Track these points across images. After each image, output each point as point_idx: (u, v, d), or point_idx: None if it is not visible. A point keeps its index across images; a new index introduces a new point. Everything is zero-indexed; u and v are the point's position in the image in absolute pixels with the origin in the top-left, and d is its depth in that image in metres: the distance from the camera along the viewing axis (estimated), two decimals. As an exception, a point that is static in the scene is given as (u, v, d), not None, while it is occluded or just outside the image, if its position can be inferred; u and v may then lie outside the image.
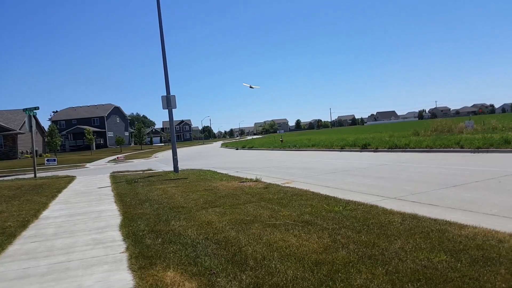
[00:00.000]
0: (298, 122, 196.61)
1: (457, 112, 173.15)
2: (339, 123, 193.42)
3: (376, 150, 18.76)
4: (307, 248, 4.04)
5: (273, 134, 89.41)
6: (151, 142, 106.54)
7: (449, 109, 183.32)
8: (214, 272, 3.56)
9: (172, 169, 15.11)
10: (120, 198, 8.71)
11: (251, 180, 10.33)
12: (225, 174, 12.89)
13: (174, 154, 15.14)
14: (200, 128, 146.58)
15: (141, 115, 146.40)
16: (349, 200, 6.46)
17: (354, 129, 76.10)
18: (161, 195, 8.72)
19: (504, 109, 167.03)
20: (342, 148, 21.57)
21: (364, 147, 19.89)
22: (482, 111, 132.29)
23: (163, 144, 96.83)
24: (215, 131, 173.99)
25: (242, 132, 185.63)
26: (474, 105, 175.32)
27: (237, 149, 38.19)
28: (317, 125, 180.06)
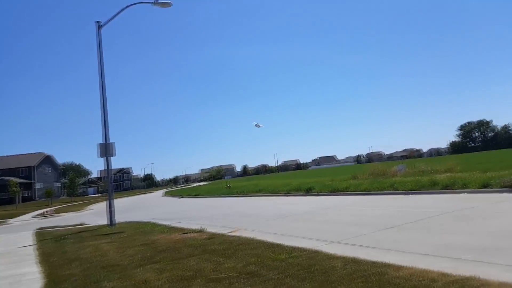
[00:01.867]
0: (245, 167, 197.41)
1: (390, 156, 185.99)
2: (285, 167, 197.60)
3: (319, 194, 19.21)
4: (251, 303, 3.82)
5: (220, 180, 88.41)
6: (85, 193, 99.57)
7: (382, 154, 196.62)
8: None
9: (107, 222, 14.05)
10: (45, 258, 7.81)
11: (194, 230, 9.88)
12: (167, 225, 12.23)
13: (111, 206, 14.15)
14: (141, 176, 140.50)
15: (76, 164, 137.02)
16: (294, 247, 6.40)
17: (298, 174, 77.95)
18: (93, 252, 7.97)
19: (431, 153, 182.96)
20: (287, 193, 21.80)
21: (308, 191, 20.29)
22: (413, 155, 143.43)
23: (99, 194, 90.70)
24: (159, 178, 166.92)
25: (187, 179, 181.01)
26: (404, 150, 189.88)
27: (181, 197, 36.93)
28: (264, 170, 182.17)
